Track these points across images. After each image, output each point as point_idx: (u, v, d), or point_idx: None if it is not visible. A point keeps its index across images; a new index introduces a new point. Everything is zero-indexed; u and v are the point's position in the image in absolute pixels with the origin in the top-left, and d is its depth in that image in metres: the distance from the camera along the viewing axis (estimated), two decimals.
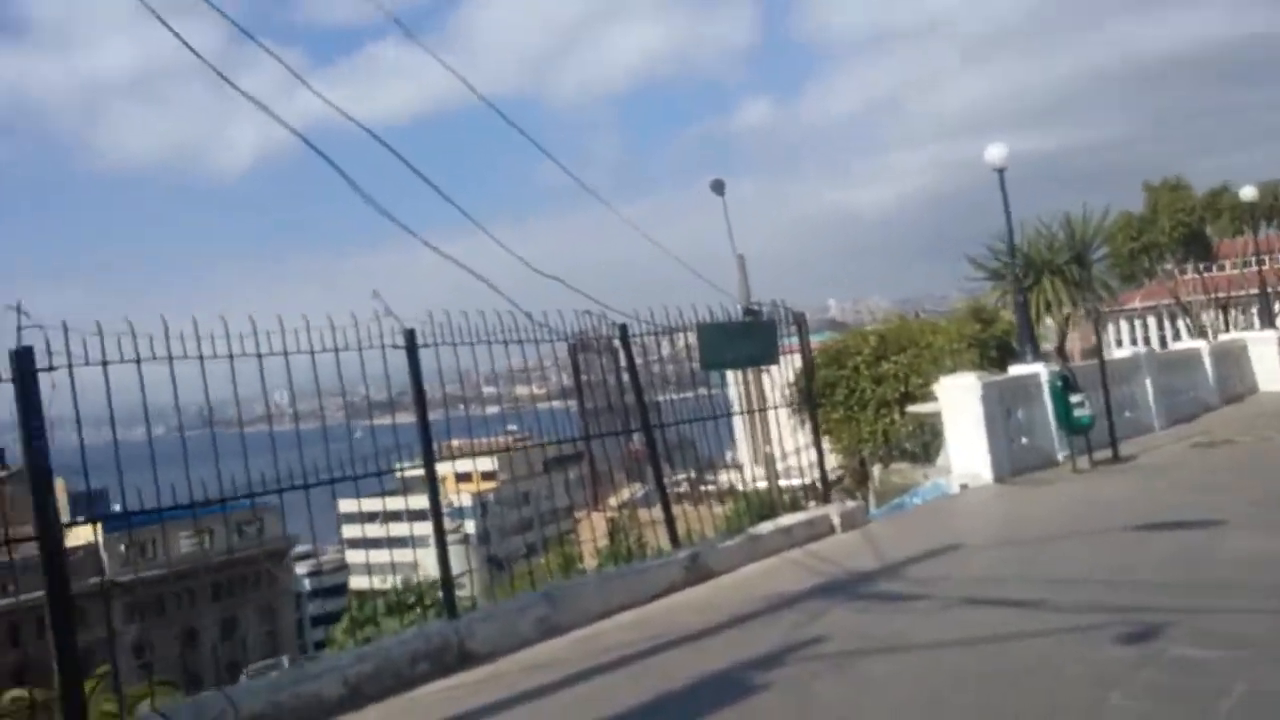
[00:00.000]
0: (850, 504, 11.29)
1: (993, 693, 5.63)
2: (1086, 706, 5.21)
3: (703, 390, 10.67)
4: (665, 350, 10.53)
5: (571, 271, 9.87)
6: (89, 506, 6.92)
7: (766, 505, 11.05)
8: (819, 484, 11.50)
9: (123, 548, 49.82)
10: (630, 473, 14.63)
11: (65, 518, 7.00)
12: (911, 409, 16.65)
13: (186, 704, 6.09)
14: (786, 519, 10.35)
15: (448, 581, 7.66)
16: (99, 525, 7.05)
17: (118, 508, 6.82)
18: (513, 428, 9.95)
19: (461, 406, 8.67)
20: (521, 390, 10.00)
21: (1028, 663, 6.06)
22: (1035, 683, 5.69)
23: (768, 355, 10.62)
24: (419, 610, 8.78)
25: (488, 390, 9.22)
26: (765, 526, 10.04)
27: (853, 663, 6.43)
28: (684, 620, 7.78)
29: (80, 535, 7.50)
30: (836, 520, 10.47)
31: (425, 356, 7.78)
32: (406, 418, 7.96)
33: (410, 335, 7.68)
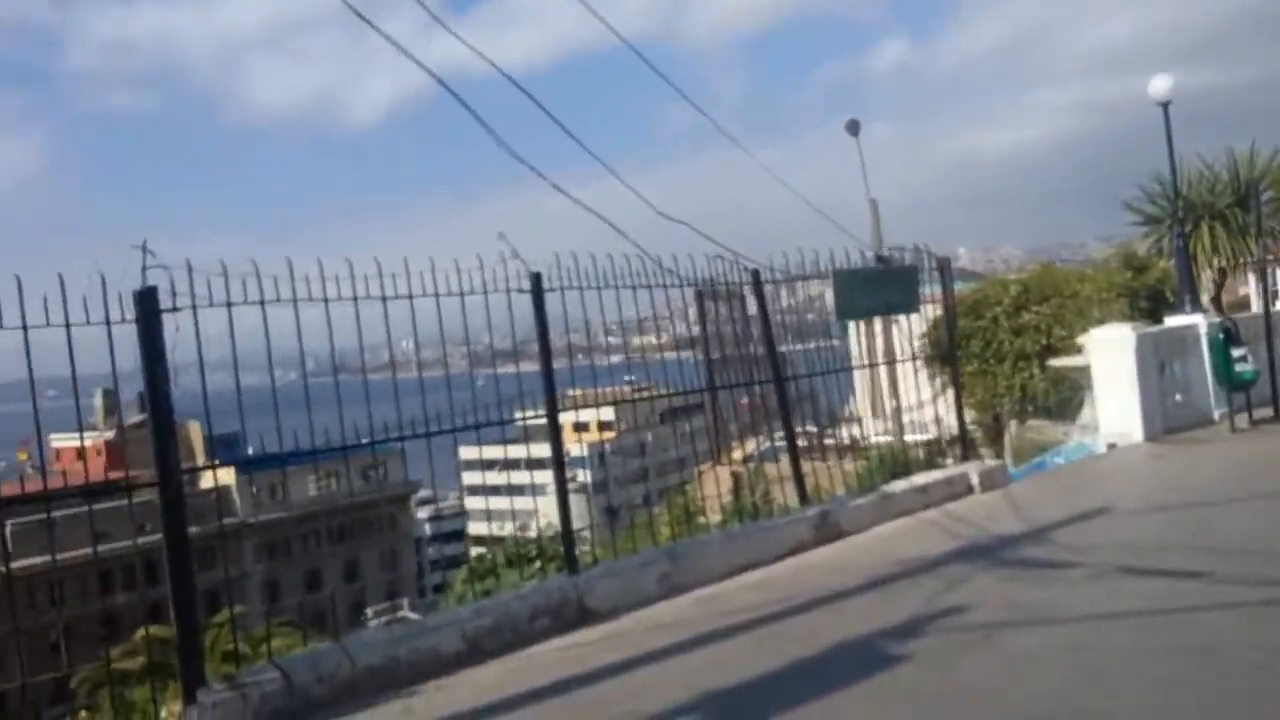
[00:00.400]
0: (991, 462, 10.70)
1: (1158, 674, 5.14)
2: (1269, 696, 4.68)
3: (824, 341, 10.16)
4: (791, 298, 10.02)
5: (693, 218, 9.49)
6: (214, 451, 6.89)
7: (900, 462, 10.51)
8: (943, 441, 10.92)
9: (253, 490, 51.60)
10: (750, 425, 14.22)
11: (201, 460, 6.95)
12: (1055, 362, 15.75)
13: (303, 656, 5.98)
14: (921, 477, 9.82)
15: (568, 536, 7.42)
16: (233, 468, 6.97)
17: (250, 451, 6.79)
18: (629, 377, 9.71)
19: (584, 354, 8.40)
20: (644, 339, 9.68)
21: (1196, 640, 5.55)
22: (1207, 665, 5.18)
23: (908, 303, 10.03)
24: (539, 564, 8.57)
25: (607, 340, 8.94)
26: (899, 484, 9.54)
27: (1001, 635, 5.97)
28: (814, 582, 7.40)
29: (212, 475, 7.56)
30: (975, 480, 9.90)
31: (550, 302, 7.51)
32: (528, 366, 7.73)
33: (536, 279, 7.40)
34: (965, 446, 10.59)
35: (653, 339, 9.86)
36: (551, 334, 7.57)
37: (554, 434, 7.60)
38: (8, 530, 7.03)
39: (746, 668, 5.75)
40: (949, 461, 10.49)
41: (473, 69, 8.52)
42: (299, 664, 5.77)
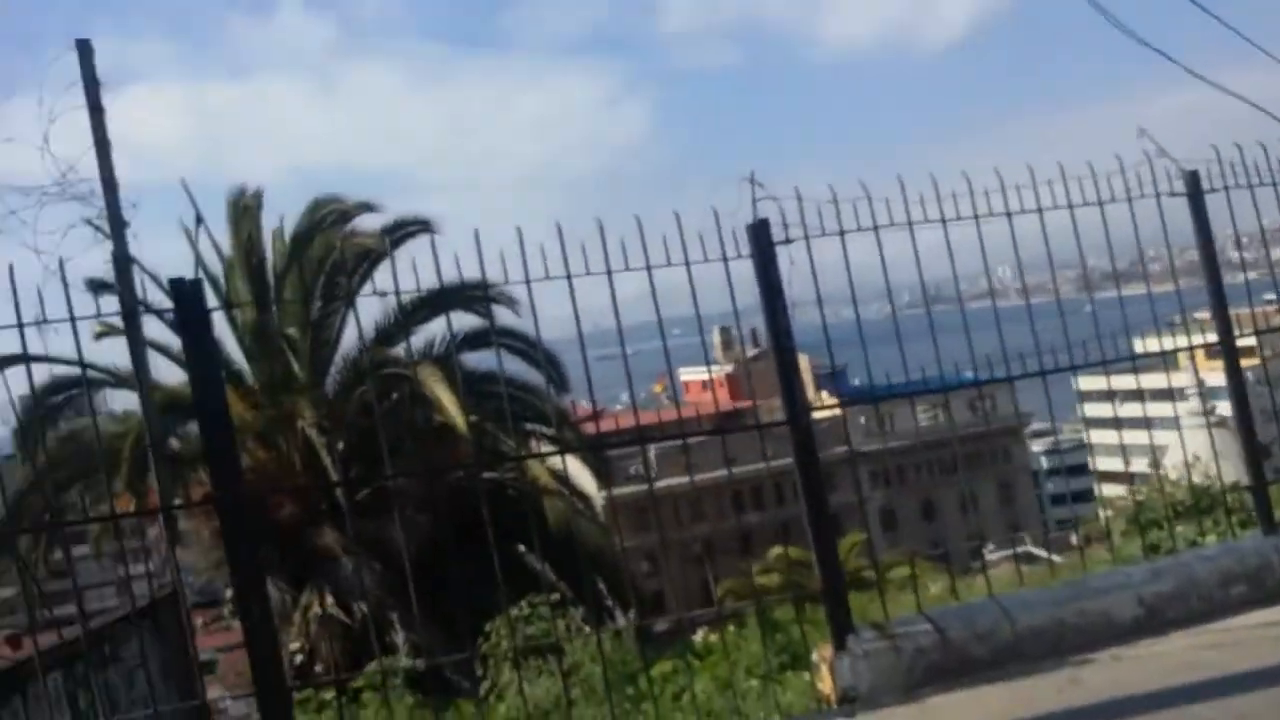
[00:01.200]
0: None
1: None
2: None
3: None
4: None
5: None
6: (831, 383, 6.65)
7: None
8: None
9: (863, 420, 52.86)
10: None
11: (809, 390, 6.72)
12: None
13: (956, 610, 5.45)
14: None
15: (1261, 487, 6.07)
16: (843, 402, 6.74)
17: (856, 382, 6.49)
18: (1270, 296, 7.99)
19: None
20: None
21: None
22: None
23: None
24: (1218, 519, 7.13)
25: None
26: None
27: None
28: None
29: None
30: None
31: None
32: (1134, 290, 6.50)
33: (1193, 178, 6.23)
34: None
35: None
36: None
37: (1230, 363, 6.41)
38: (651, 454, 7.51)
39: None
40: None
41: None
42: (951, 618, 5.30)
